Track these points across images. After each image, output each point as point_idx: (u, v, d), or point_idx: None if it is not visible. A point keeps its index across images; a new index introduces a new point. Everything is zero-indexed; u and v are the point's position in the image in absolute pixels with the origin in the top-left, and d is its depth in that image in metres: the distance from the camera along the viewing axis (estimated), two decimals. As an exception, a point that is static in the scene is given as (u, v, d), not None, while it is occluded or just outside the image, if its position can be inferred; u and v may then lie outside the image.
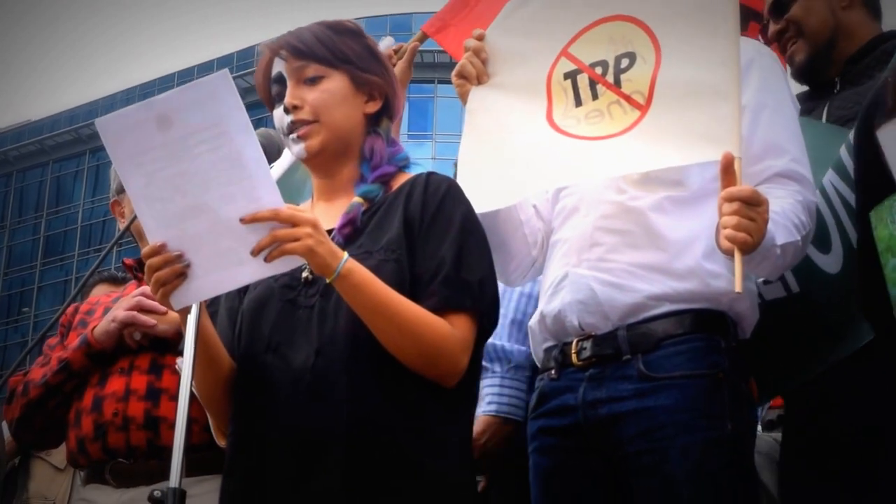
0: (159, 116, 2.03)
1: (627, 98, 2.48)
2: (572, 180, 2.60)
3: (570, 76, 2.59)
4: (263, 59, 2.41)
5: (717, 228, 2.29)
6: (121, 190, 3.19)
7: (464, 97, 2.72)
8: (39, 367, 3.09)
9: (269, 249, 2.05)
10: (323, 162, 2.38)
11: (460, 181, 2.46)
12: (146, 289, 2.90)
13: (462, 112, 2.74)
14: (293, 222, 2.05)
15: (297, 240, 2.04)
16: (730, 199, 2.22)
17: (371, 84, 2.40)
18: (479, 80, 2.70)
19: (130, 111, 2.06)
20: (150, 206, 2.09)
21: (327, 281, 2.12)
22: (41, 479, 4.60)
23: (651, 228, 2.49)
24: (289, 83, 2.35)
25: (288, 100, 2.33)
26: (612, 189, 2.55)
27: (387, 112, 2.44)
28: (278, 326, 2.25)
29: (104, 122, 2.07)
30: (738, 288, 2.19)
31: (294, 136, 2.34)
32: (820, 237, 2.60)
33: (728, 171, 2.24)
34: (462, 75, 2.73)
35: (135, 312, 2.92)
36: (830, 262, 2.64)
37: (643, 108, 2.46)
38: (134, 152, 2.07)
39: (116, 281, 4.60)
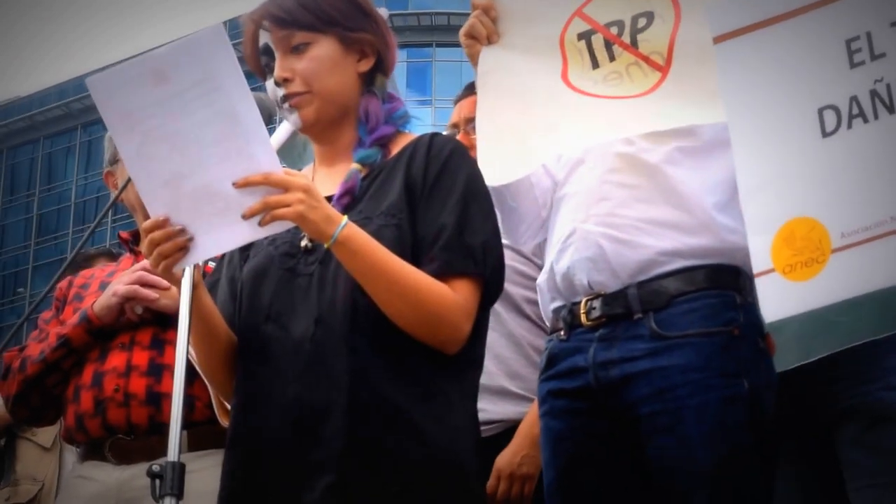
0: (153, 72, 1.99)
1: (646, 59, 2.45)
2: (596, 140, 2.54)
3: (584, 37, 2.53)
4: (248, 31, 2.36)
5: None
6: (115, 160, 3.14)
7: (473, 58, 2.64)
8: (36, 343, 3.05)
9: (262, 214, 2.02)
10: (321, 130, 2.34)
11: (480, 155, 2.43)
12: (147, 263, 2.85)
13: (462, 76, 2.67)
14: (285, 187, 2.01)
15: (288, 206, 2.01)
16: None
17: (361, 42, 2.34)
18: (490, 39, 2.62)
19: (123, 68, 2.02)
20: (145, 165, 2.06)
21: (325, 247, 2.08)
22: (28, 460, 4.59)
23: (662, 182, 2.46)
24: (276, 54, 2.30)
25: (277, 73, 2.28)
26: (620, 140, 2.52)
27: (381, 68, 2.38)
28: (278, 295, 2.22)
29: (95, 81, 2.03)
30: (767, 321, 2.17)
31: (287, 106, 2.29)
32: None
33: None
34: (471, 35, 2.63)
35: (136, 286, 2.88)
36: None
37: (664, 69, 2.43)
38: (127, 110, 2.03)
39: (112, 257, 4.56)
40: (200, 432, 2.78)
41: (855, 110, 2.03)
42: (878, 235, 1.98)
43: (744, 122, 2.15)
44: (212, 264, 2.53)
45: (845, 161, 2.03)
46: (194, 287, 2.13)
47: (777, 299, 2.07)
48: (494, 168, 2.42)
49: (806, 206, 2.05)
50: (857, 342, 2.52)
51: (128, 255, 3.25)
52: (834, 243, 2.01)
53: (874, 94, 2.02)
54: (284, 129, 2.43)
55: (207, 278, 2.29)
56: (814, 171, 2.06)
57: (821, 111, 2.06)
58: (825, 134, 2.05)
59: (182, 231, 2.06)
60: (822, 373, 2.53)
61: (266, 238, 2.19)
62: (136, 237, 3.17)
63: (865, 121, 2.02)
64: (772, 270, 2.07)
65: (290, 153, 2.50)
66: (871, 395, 2.43)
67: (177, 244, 2.06)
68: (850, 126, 2.03)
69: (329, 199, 2.17)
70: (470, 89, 3.18)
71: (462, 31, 2.65)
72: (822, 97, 2.06)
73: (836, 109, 2.05)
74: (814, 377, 2.53)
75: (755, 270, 2.09)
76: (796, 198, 2.06)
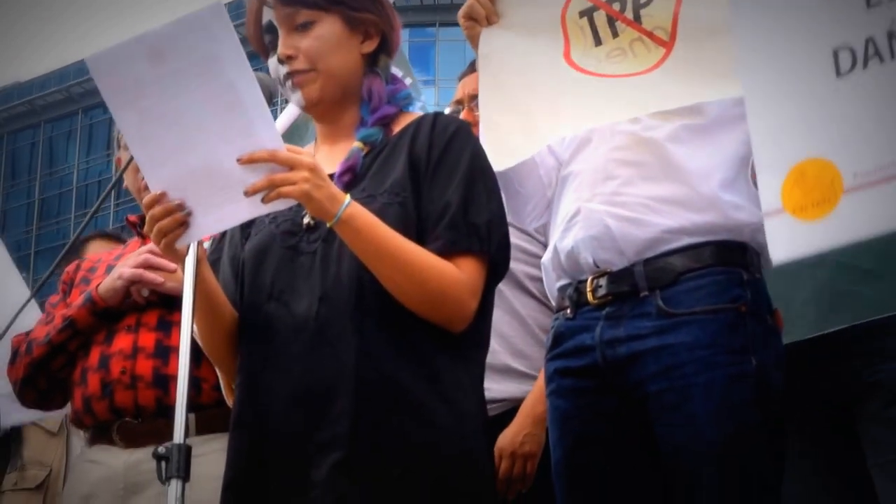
0: (151, 50, 1.98)
1: (650, 35, 2.43)
2: (599, 121, 2.53)
3: (586, 14, 2.51)
4: (252, 9, 2.35)
5: (752, 166, 2.26)
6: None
7: (473, 40, 2.62)
8: (43, 326, 3.05)
9: (266, 192, 2.02)
10: (323, 109, 2.33)
11: (484, 140, 2.41)
12: (154, 245, 2.85)
13: (466, 55, 2.66)
14: (291, 165, 2.01)
15: (293, 184, 2.01)
16: None
17: (366, 22, 2.33)
18: (489, 20, 2.60)
19: (122, 46, 2.02)
20: (145, 144, 2.06)
21: (328, 226, 2.08)
22: (35, 445, 4.58)
23: (667, 159, 2.44)
24: (280, 32, 2.29)
25: (281, 50, 2.27)
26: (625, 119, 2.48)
27: (385, 49, 2.37)
28: (280, 274, 2.21)
29: (95, 59, 2.02)
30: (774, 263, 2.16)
31: (290, 85, 2.28)
32: None
33: None
34: (470, 16, 2.62)
35: (142, 269, 2.88)
36: None
37: (668, 45, 2.41)
38: (126, 89, 2.03)
39: (112, 238, 4.55)
40: (208, 415, 2.78)
41: (871, 50, 2.00)
42: (891, 176, 1.95)
43: (756, 61, 2.11)
44: (206, 245, 2.53)
45: (860, 101, 2.00)
46: (198, 262, 2.13)
47: (786, 240, 2.05)
48: (499, 152, 2.41)
49: (818, 147, 2.02)
50: (878, 316, 2.52)
51: (136, 238, 3.24)
52: (846, 184, 1.99)
53: (891, 34, 1.99)
54: (289, 113, 2.42)
55: (208, 257, 2.29)
56: (827, 111, 2.03)
57: (836, 51, 2.03)
58: (839, 74, 2.01)
59: (180, 206, 2.05)
60: (842, 349, 2.54)
61: (267, 216, 2.19)
62: (144, 220, 3.17)
63: (881, 60, 1.99)
64: (782, 211, 2.05)
65: (291, 133, 2.49)
66: (893, 372, 2.42)
67: (176, 219, 2.06)
68: (865, 66, 2.00)
69: (331, 176, 2.16)
70: (474, 66, 3.16)
71: (461, 13, 2.64)
72: (838, 37, 2.02)
73: (852, 50, 2.01)
74: (834, 354, 2.53)
75: (764, 210, 2.06)
76: (808, 138, 2.03)
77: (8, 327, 3.03)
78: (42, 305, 3.24)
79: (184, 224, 2.06)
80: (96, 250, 4.02)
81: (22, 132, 54.51)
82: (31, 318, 3.35)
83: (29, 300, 2.74)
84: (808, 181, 2.02)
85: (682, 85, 2.36)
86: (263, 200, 2.02)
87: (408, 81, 2.43)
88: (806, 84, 2.05)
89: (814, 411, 2.73)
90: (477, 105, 2.76)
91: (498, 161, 2.37)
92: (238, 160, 2.00)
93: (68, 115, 52.69)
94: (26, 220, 53.10)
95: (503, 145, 2.46)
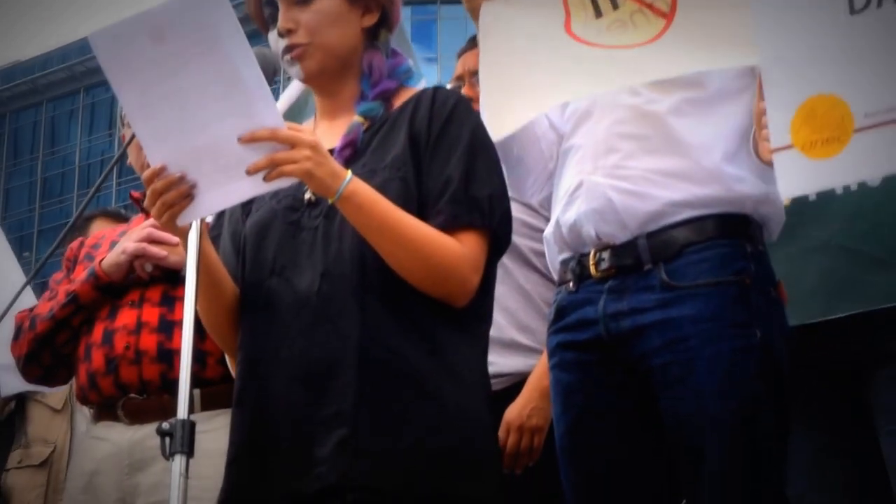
0: (151, 29, 1.98)
1: (650, 6, 2.41)
2: (598, 89, 2.52)
3: None
4: None
5: (753, 139, 2.26)
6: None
7: (474, 13, 2.61)
8: (46, 302, 3.05)
9: (267, 170, 2.02)
10: (323, 83, 2.33)
11: (484, 109, 2.41)
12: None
13: (468, 32, 2.65)
14: (292, 143, 2.01)
15: (295, 162, 2.01)
16: None
17: None
18: None
19: (122, 25, 2.02)
20: (147, 122, 2.06)
21: (330, 202, 2.08)
22: (39, 422, 4.58)
23: (669, 133, 2.43)
24: (280, 5, 2.28)
25: (281, 24, 2.26)
26: (627, 92, 2.49)
27: (385, 23, 2.37)
28: (282, 250, 2.21)
29: (97, 37, 2.02)
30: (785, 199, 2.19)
31: (289, 58, 2.28)
32: None
33: None
34: None
35: (145, 244, 2.88)
36: None
37: (668, 16, 2.38)
38: (128, 67, 2.03)
39: (115, 216, 4.55)
40: (213, 392, 2.78)
41: None
42: None
43: None
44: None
45: (873, 39, 1.98)
46: (200, 237, 2.13)
47: (794, 175, 2.05)
48: (498, 121, 2.40)
49: (830, 84, 2.01)
50: (886, 304, 2.51)
51: (140, 214, 3.24)
52: (856, 123, 1.97)
53: None
54: (290, 92, 2.42)
55: (209, 233, 2.28)
56: (840, 48, 2.01)
57: None
58: (853, 11, 2.00)
59: (183, 179, 2.05)
60: (855, 318, 2.53)
61: (268, 192, 2.19)
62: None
63: None
64: (791, 147, 2.04)
65: (291, 111, 2.49)
66: None
67: (180, 192, 2.06)
68: (880, 5, 1.98)
69: (331, 151, 2.16)
70: (474, 42, 3.15)
71: None
72: None
73: None
74: (847, 321, 2.53)
75: (773, 146, 2.06)
76: (820, 75, 2.02)
77: (5, 312, 3.03)
78: (45, 284, 3.24)
79: (188, 197, 2.06)
80: (100, 228, 4.02)
81: (24, 111, 54.45)
82: (27, 304, 3.35)
83: (28, 281, 2.74)
84: (819, 118, 2.00)
85: (683, 54, 2.34)
86: (265, 179, 2.02)
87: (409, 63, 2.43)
88: (819, 20, 2.03)
89: (821, 386, 2.73)
90: (478, 80, 2.75)
91: (497, 130, 2.37)
92: (239, 139, 2.00)
93: (70, 93, 52.62)
94: (29, 200, 53.12)
95: (502, 115, 2.46)
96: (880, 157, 1.97)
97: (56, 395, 4.54)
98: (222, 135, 2.01)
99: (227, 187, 2.06)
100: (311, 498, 2.05)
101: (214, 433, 2.49)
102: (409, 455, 2.03)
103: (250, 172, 2.01)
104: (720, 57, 2.31)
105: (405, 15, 2.62)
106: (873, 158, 1.98)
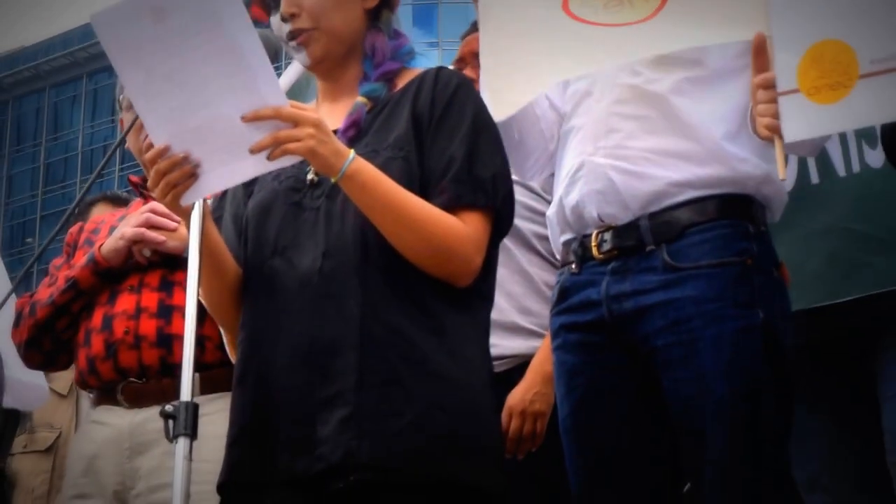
0: (153, 9, 1.98)
1: None
2: (596, 66, 2.51)
3: None
4: None
5: (751, 116, 2.24)
6: (129, 107, 3.11)
7: None
8: (46, 288, 3.06)
9: (271, 149, 2.02)
10: (328, 67, 2.32)
11: (484, 90, 2.41)
12: (155, 205, 2.87)
13: (469, 16, 2.64)
14: (295, 121, 2.01)
15: (298, 140, 2.00)
16: (766, 86, 2.16)
17: None
18: None
19: (124, 4, 2.01)
20: (150, 102, 2.06)
21: (333, 181, 2.07)
22: (45, 408, 4.58)
23: (670, 112, 2.41)
24: None
25: (284, 8, 2.26)
26: (626, 71, 2.47)
27: (387, 4, 2.36)
28: (284, 230, 2.21)
29: (98, 17, 2.02)
30: (781, 175, 2.18)
31: (294, 43, 2.27)
32: (868, 131, 2.56)
33: (760, 52, 2.18)
34: None
35: (143, 229, 2.88)
36: (877, 157, 2.61)
37: None
38: (130, 47, 2.02)
39: (117, 201, 4.55)
40: (213, 375, 2.78)
41: None
42: None
43: None
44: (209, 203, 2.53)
45: None
46: (203, 218, 2.13)
47: (799, 120, 2.05)
48: (499, 102, 2.40)
49: (837, 29, 2.01)
50: (893, 287, 2.50)
51: (138, 199, 3.24)
52: (862, 69, 1.97)
53: None
54: (293, 71, 2.41)
55: (212, 213, 2.28)
56: None
57: None
58: None
59: (186, 159, 2.05)
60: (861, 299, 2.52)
61: (270, 172, 2.18)
62: (146, 181, 3.17)
63: None
64: (796, 91, 2.04)
65: (293, 91, 2.48)
66: None
67: (184, 171, 2.06)
68: None
69: (334, 132, 2.15)
70: (476, 26, 3.15)
71: None
72: None
73: None
74: (853, 306, 2.52)
75: (779, 89, 2.05)
76: (828, 19, 2.01)
77: (7, 297, 3.04)
78: (46, 270, 3.24)
79: (192, 176, 2.07)
80: (101, 213, 4.01)
81: (27, 97, 54.47)
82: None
83: (28, 267, 2.74)
84: (825, 63, 2.00)
85: (680, 30, 2.33)
86: (269, 157, 2.02)
87: None
88: None
89: (833, 366, 2.73)
90: (479, 62, 2.74)
91: (498, 111, 2.36)
92: (242, 118, 2.00)
93: (73, 79, 52.66)
94: (31, 185, 53.19)
95: (503, 95, 2.45)
96: (883, 104, 1.97)
97: (62, 380, 4.55)
98: (225, 114, 2.01)
99: (230, 166, 2.07)
100: (313, 478, 2.05)
101: (215, 416, 2.48)
102: (411, 434, 2.03)
103: (254, 151, 2.01)
104: (717, 32, 2.31)
105: (406, -1, 2.62)
106: (877, 105, 1.98)
